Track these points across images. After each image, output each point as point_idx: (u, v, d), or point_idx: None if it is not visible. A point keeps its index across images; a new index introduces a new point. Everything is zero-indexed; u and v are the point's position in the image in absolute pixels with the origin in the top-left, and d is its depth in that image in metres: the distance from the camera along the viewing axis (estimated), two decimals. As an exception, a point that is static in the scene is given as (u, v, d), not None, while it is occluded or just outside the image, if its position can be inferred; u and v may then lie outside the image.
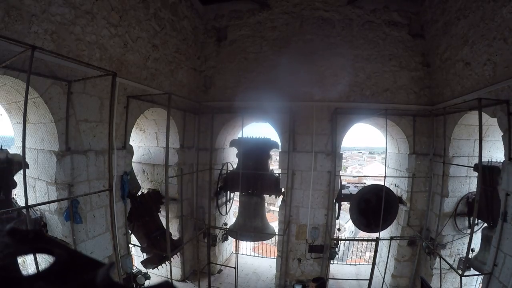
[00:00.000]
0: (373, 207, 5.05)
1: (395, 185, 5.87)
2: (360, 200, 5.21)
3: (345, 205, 6.06)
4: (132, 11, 3.94)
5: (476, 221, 3.67)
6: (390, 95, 5.27)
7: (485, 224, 4.18)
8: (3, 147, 2.80)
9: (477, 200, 3.32)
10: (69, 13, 2.96)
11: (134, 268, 4.18)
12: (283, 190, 5.61)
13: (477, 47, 3.76)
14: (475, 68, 3.86)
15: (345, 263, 7.86)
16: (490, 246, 3.89)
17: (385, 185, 5.00)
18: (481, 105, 3.23)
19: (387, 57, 5.25)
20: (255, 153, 5.71)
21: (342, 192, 5.61)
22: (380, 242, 5.57)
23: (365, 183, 8.81)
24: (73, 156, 3.09)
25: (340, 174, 5.43)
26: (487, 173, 3.93)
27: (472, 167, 4.11)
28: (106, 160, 3.44)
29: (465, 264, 3.78)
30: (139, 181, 5.07)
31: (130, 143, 4.20)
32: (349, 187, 6.22)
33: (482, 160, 3.32)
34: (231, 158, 6.82)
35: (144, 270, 4.31)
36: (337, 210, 5.52)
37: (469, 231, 4.10)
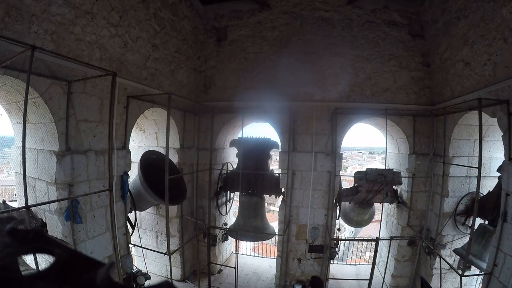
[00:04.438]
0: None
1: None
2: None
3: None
4: (132, 11, 3.94)
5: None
6: (390, 95, 5.27)
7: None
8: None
9: (477, 200, 3.32)
10: (69, 13, 2.96)
11: (134, 268, 4.18)
12: (283, 190, 5.60)
13: (477, 47, 3.75)
14: (475, 68, 3.85)
15: (345, 263, 7.86)
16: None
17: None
18: (481, 105, 3.23)
19: (387, 57, 5.25)
20: (255, 153, 5.71)
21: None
22: (380, 242, 5.56)
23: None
24: (73, 156, 3.09)
25: (340, 174, 5.43)
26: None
27: (472, 166, 4.11)
28: (106, 160, 3.44)
29: (465, 264, 3.78)
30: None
31: (130, 143, 4.20)
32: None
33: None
34: (231, 158, 6.82)
35: (144, 270, 4.31)
36: (337, 210, 5.52)
37: (468, 230, 4.11)
